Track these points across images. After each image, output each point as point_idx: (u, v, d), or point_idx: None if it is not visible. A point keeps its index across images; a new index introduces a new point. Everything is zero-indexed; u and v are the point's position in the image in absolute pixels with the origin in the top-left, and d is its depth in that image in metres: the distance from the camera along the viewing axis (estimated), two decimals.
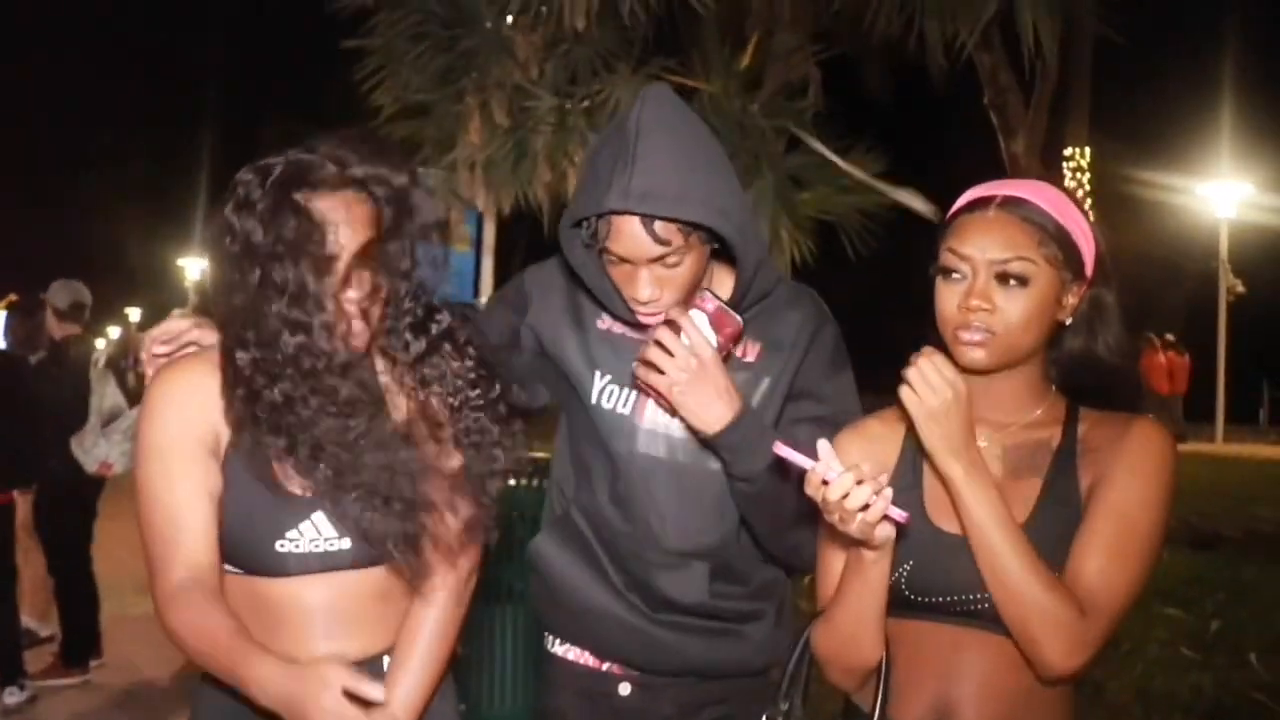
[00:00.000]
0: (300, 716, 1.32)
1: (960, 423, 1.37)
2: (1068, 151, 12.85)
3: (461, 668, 1.66)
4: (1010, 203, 1.44)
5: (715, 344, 1.57)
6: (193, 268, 32.53)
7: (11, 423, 4.62)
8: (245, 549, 1.47)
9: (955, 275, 1.43)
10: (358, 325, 1.46)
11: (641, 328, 1.69)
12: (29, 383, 4.88)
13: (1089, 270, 1.45)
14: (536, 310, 1.79)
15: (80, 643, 4.95)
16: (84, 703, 4.69)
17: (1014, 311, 1.40)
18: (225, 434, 1.47)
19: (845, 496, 1.28)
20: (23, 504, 4.97)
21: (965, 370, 1.43)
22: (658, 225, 1.55)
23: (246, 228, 1.40)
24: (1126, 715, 3.93)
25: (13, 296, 5.56)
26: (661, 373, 1.55)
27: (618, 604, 1.75)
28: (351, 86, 5.82)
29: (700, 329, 1.56)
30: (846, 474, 1.29)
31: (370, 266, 1.45)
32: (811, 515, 1.45)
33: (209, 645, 1.39)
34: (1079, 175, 13.19)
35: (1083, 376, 1.49)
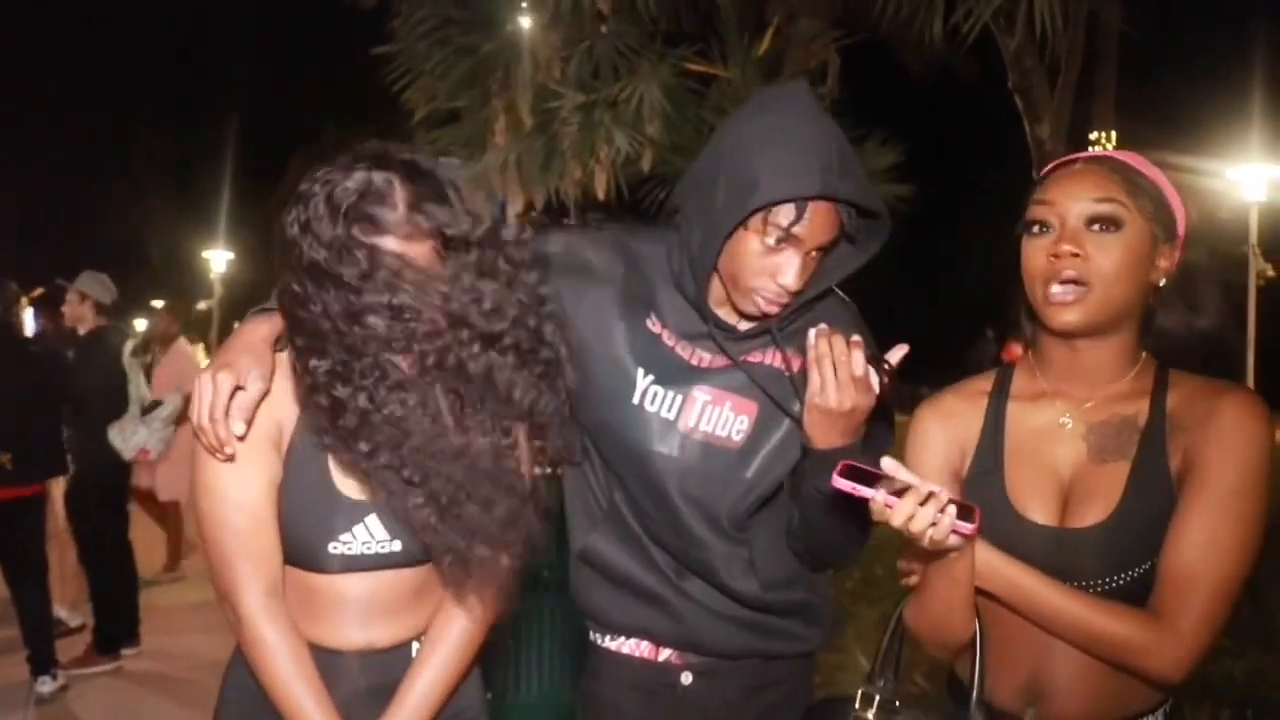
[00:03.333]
0: None
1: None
2: (1094, 135, 12.72)
3: (487, 655, 1.67)
4: (1097, 159, 1.41)
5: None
6: (218, 260, 32.77)
7: (44, 415, 4.68)
8: (297, 547, 1.49)
9: (1043, 228, 1.38)
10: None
11: (687, 341, 1.69)
12: (61, 375, 4.94)
13: (1181, 230, 1.40)
14: (579, 288, 1.71)
15: (113, 631, 5.01)
16: (115, 691, 4.75)
17: (1106, 259, 1.34)
18: (288, 428, 1.48)
19: (911, 519, 1.26)
20: (56, 493, 5.03)
21: (1057, 334, 1.38)
22: (844, 212, 1.56)
23: (313, 254, 1.36)
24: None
25: (40, 290, 5.62)
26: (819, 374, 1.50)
27: (676, 596, 1.74)
28: (373, 78, 5.83)
29: (872, 385, 1.50)
30: (907, 499, 1.26)
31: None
32: (851, 535, 1.52)
33: (274, 672, 1.46)
34: None
35: (1179, 349, 1.44)
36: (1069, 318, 1.37)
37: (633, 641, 1.80)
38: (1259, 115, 20.41)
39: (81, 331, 5.15)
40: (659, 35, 5.48)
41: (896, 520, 1.27)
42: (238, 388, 1.40)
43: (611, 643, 1.81)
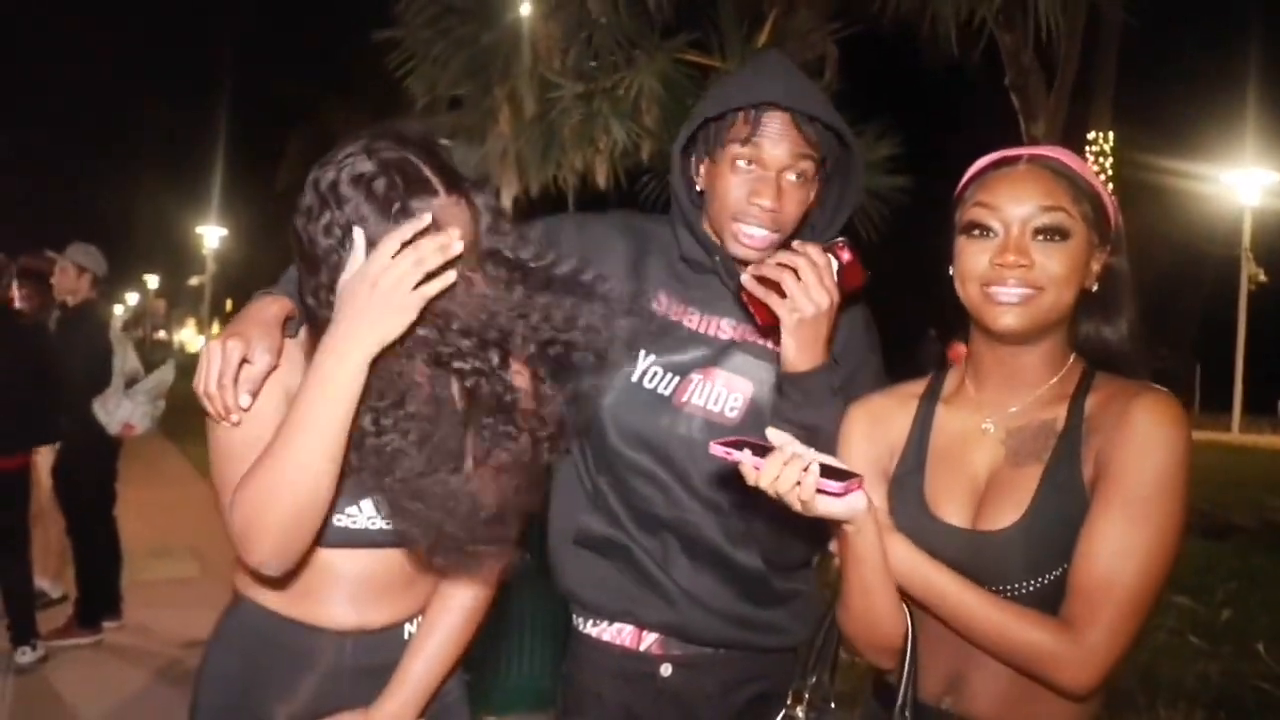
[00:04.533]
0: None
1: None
2: (1090, 136, 12.75)
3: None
4: (1040, 159, 1.38)
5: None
6: (211, 235, 32.68)
7: (27, 386, 4.66)
8: None
9: (986, 232, 1.35)
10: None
11: (695, 309, 1.71)
12: (45, 346, 4.92)
13: (1112, 235, 1.39)
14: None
15: (95, 603, 5.01)
16: (95, 664, 4.74)
17: (1055, 266, 1.32)
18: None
19: (776, 479, 1.26)
20: (45, 465, 5.02)
21: (994, 337, 1.36)
22: (809, 127, 1.59)
23: (344, 236, 1.35)
24: (1132, 703, 3.93)
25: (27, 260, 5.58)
26: (782, 296, 1.51)
27: (667, 579, 1.74)
28: (370, 56, 5.83)
29: (833, 274, 1.54)
30: (771, 460, 1.26)
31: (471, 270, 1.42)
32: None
33: (269, 463, 1.34)
34: (1101, 160, 13.07)
35: (1095, 356, 1.44)
36: (1010, 321, 1.34)
37: (615, 628, 1.79)
38: (1254, 121, 20.48)
39: (71, 303, 5.13)
40: (657, 26, 5.47)
41: (764, 480, 1.27)
42: (244, 360, 1.39)
43: (594, 629, 1.81)
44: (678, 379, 1.71)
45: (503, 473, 1.46)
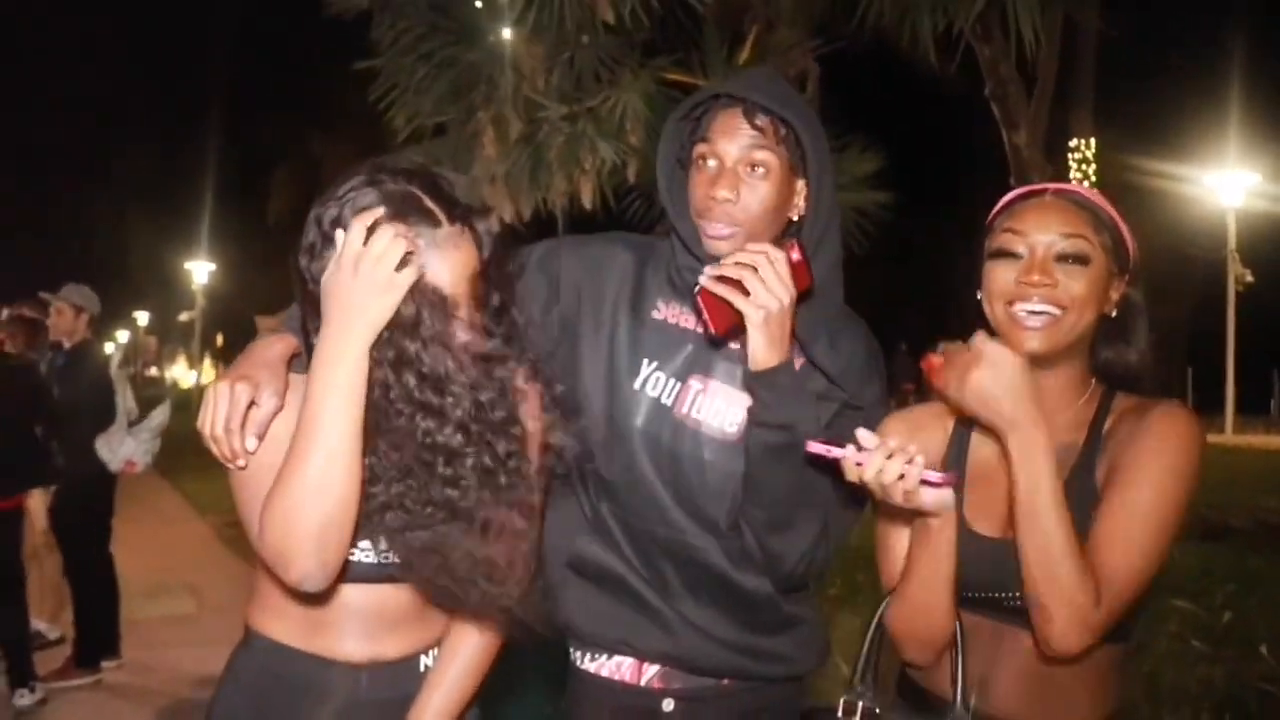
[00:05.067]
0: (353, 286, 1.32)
1: (1031, 392, 1.36)
2: (1073, 143, 12.83)
3: None
4: (1064, 192, 1.51)
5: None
6: (200, 271, 32.62)
7: (19, 429, 4.65)
8: None
9: (1013, 255, 1.46)
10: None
11: (689, 314, 1.70)
12: (41, 387, 4.91)
13: (1130, 265, 1.50)
14: (581, 284, 1.75)
15: (93, 643, 4.98)
16: (94, 704, 4.71)
17: (1077, 288, 1.43)
18: None
19: (880, 473, 1.34)
20: (38, 506, 5.00)
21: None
22: (757, 117, 1.62)
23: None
24: (1135, 708, 3.92)
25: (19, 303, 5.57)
26: (745, 294, 1.52)
27: (667, 607, 1.71)
28: (357, 90, 5.83)
29: (787, 272, 1.55)
30: (876, 452, 1.35)
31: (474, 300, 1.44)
32: (802, 528, 1.58)
33: (301, 470, 1.33)
34: (1084, 166, 13.16)
35: (1115, 378, 1.54)
36: (1035, 344, 1.44)
37: (614, 661, 1.75)
38: (1236, 122, 20.60)
39: (68, 344, 5.13)
40: (639, 45, 5.50)
41: (869, 473, 1.35)
42: (252, 403, 1.39)
43: (592, 664, 1.77)
44: (678, 384, 1.70)
45: (505, 526, 1.45)
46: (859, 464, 1.36)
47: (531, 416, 1.51)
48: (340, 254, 1.33)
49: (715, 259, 1.64)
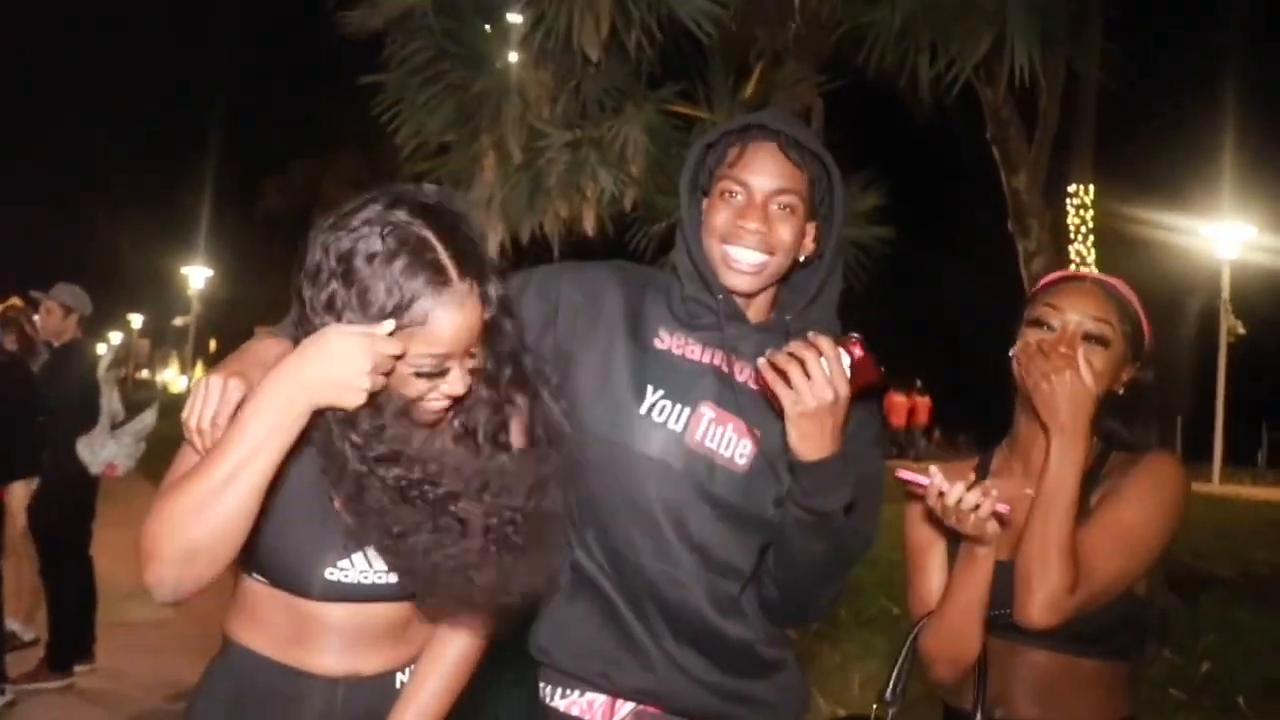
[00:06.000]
0: (325, 369, 1.31)
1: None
2: (1071, 188, 12.90)
3: None
4: (1100, 282, 1.77)
5: (849, 388, 1.55)
6: (196, 276, 32.63)
7: (7, 425, 4.63)
8: (292, 571, 1.47)
9: (1046, 326, 1.71)
10: (439, 405, 1.46)
11: (698, 344, 1.70)
12: (28, 386, 4.89)
13: (1145, 353, 1.74)
14: (578, 310, 1.73)
15: (66, 647, 4.93)
16: (64, 708, 4.67)
17: (1094, 363, 1.67)
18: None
19: (960, 501, 1.54)
20: (19, 503, 4.97)
21: (1039, 420, 1.68)
22: (794, 153, 1.65)
23: (352, 308, 1.37)
24: None
25: (14, 301, 5.58)
26: (789, 386, 1.51)
27: (650, 640, 1.68)
28: (356, 103, 5.84)
29: (844, 369, 1.54)
30: (959, 483, 1.55)
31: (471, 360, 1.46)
32: (832, 572, 1.68)
33: (196, 484, 1.30)
34: (1082, 212, 13.21)
35: (1115, 444, 1.77)
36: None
37: (586, 699, 1.71)
38: (1231, 175, 20.76)
39: (57, 344, 5.12)
40: (644, 76, 5.53)
41: (950, 499, 1.54)
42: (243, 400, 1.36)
43: (562, 701, 1.72)
44: (688, 411, 1.67)
45: (505, 543, 1.46)
46: (943, 491, 1.55)
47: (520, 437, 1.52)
48: (334, 331, 1.33)
49: (726, 291, 1.67)
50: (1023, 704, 1.69)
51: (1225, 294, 20.78)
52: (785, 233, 1.65)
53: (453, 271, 1.38)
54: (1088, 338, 1.69)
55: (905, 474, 1.60)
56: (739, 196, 1.65)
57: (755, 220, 1.63)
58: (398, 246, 1.36)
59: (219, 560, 1.33)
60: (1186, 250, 21.35)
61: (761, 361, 1.55)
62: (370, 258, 1.35)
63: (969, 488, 1.55)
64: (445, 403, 1.45)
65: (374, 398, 1.36)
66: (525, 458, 1.51)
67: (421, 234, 1.37)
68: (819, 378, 1.50)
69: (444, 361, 1.40)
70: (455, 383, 1.43)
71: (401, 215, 1.38)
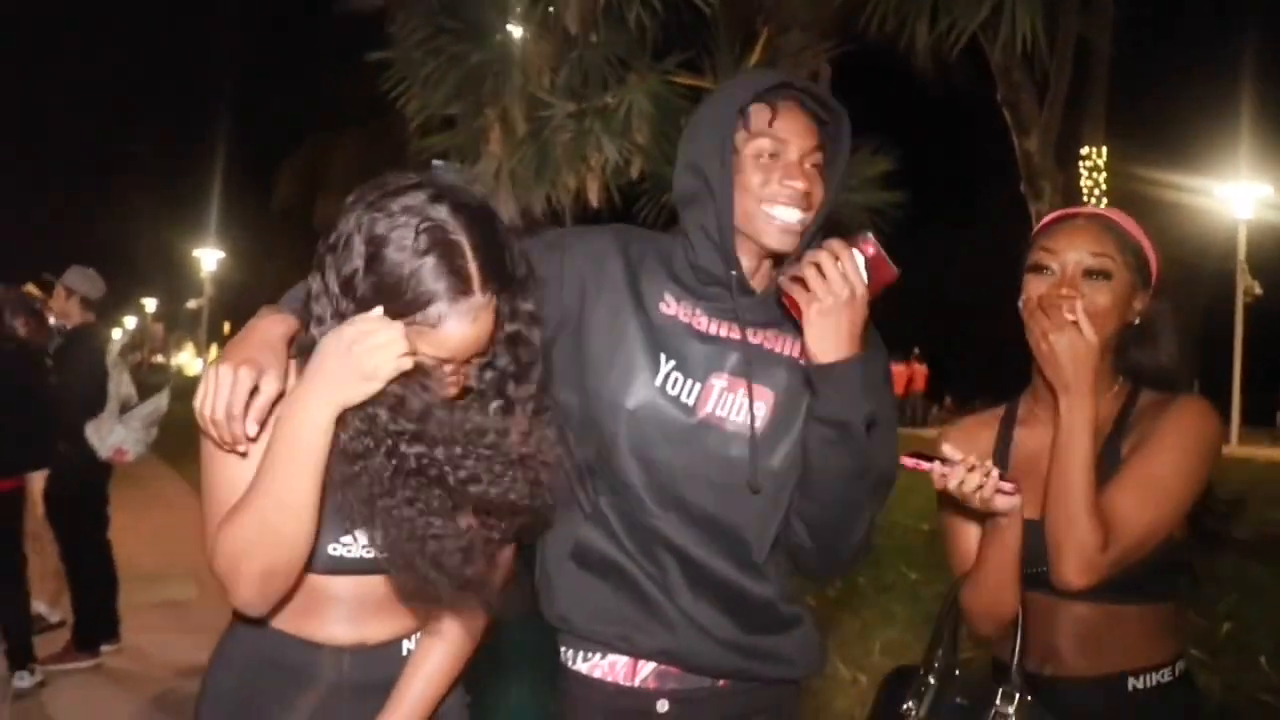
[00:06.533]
0: (346, 366, 1.33)
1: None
2: (1084, 150, 12.79)
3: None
4: (1094, 216, 1.74)
5: (866, 285, 1.58)
6: (208, 259, 32.72)
7: (24, 410, 4.66)
8: None
9: (1046, 270, 1.70)
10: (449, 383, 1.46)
11: (705, 315, 1.70)
12: (42, 371, 4.92)
13: (1154, 280, 1.72)
14: (585, 278, 1.72)
15: (92, 627, 4.99)
16: (93, 688, 4.73)
17: (1100, 300, 1.66)
18: None
19: (962, 484, 1.55)
20: (38, 489, 5.02)
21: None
22: (819, 110, 1.67)
23: (369, 291, 1.37)
24: None
25: (31, 287, 5.60)
26: (806, 290, 1.54)
27: (668, 602, 1.69)
28: (364, 81, 5.84)
29: (858, 267, 1.57)
30: (959, 466, 1.55)
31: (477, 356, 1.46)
32: (858, 499, 1.67)
33: (256, 513, 1.36)
34: (1095, 175, 13.12)
35: (1143, 378, 1.76)
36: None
37: (608, 661, 1.72)
38: (1248, 134, 20.55)
39: (68, 326, 5.14)
40: (648, 45, 5.49)
41: (952, 484, 1.56)
42: (254, 388, 1.37)
43: (584, 664, 1.73)
44: (699, 386, 1.68)
45: (494, 527, 1.49)
46: (944, 475, 1.56)
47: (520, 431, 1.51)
48: (345, 326, 1.34)
49: (775, 255, 1.68)
50: (1070, 658, 1.71)
51: (1241, 254, 20.63)
52: (819, 191, 1.66)
53: (476, 282, 1.38)
54: (1088, 273, 1.68)
55: (908, 460, 1.60)
56: (778, 156, 1.65)
57: (799, 179, 1.63)
58: (430, 245, 1.36)
59: (296, 569, 1.41)
60: (1202, 211, 21.16)
61: (783, 279, 1.58)
62: (401, 249, 1.36)
63: (970, 469, 1.55)
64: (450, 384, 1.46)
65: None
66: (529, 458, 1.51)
67: (455, 238, 1.38)
68: (834, 276, 1.53)
69: (443, 364, 1.42)
70: (443, 384, 1.43)
71: (442, 213, 1.38)
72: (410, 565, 1.42)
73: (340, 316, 1.38)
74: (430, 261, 1.36)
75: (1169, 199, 20.04)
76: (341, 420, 1.36)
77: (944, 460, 1.58)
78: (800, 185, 1.63)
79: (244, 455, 1.40)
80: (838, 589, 5.58)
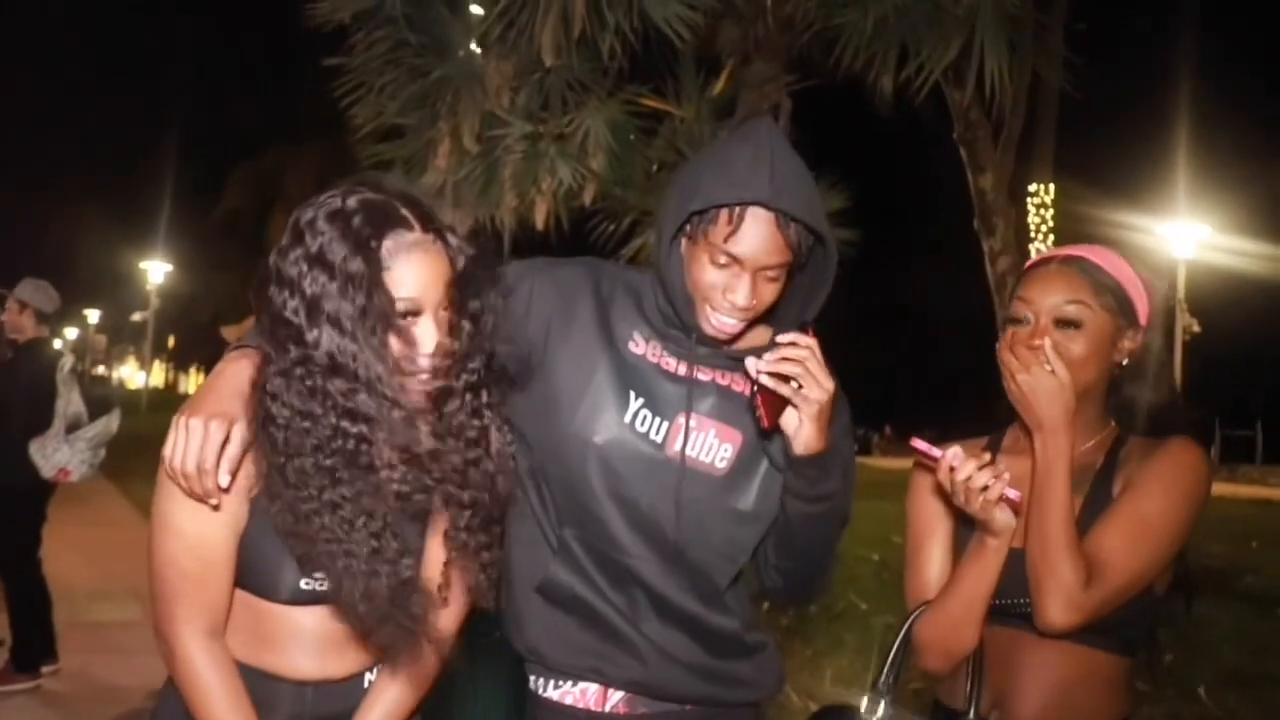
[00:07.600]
0: None
1: (1064, 405, 1.57)
2: (1032, 188, 13.08)
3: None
4: (1070, 260, 1.68)
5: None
6: (156, 271, 32.14)
7: None
8: (268, 581, 1.46)
9: (1022, 321, 1.66)
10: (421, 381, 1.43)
11: (673, 357, 1.70)
12: None
13: (1143, 319, 1.67)
14: (552, 313, 1.72)
15: (31, 648, 4.87)
16: (30, 710, 4.60)
17: (1074, 349, 1.62)
18: (262, 470, 1.41)
19: (969, 479, 1.51)
20: None
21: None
22: (791, 228, 1.58)
23: (321, 284, 1.36)
24: None
25: None
26: (797, 387, 1.54)
27: (636, 634, 1.70)
28: (318, 94, 5.80)
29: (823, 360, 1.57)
30: (970, 461, 1.52)
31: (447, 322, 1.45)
32: (832, 549, 1.71)
33: (208, 711, 1.43)
34: (1043, 211, 13.42)
35: (1137, 416, 1.71)
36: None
37: (579, 689, 1.73)
38: (1187, 176, 21.12)
39: (20, 341, 5.02)
40: (611, 71, 5.53)
41: (960, 475, 1.52)
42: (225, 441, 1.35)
43: (555, 691, 1.74)
44: (667, 424, 1.69)
45: (455, 564, 1.51)
46: (953, 466, 1.53)
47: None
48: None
49: (707, 338, 1.67)
50: (1024, 704, 1.63)
51: (1180, 292, 21.14)
52: (768, 295, 1.63)
53: (414, 221, 1.41)
54: (1059, 323, 1.63)
55: (919, 443, 1.61)
56: (728, 267, 1.60)
57: (743, 295, 1.60)
58: (359, 205, 1.39)
59: (226, 605, 1.47)
60: (1144, 249, 21.68)
61: (762, 378, 1.55)
62: (333, 215, 1.37)
63: (981, 467, 1.51)
64: (427, 377, 1.42)
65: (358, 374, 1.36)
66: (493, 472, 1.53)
67: (380, 196, 1.41)
68: (818, 371, 1.53)
69: (414, 308, 1.40)
70: (427, 337, 1.41)
71: (363, 188, 1.43)
72: (355, 603, 1.41)
73: (299, 332, 1.36)
74: (363, 216, 1.38)
75: (1112, 236, 20.51)
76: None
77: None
78: (741, 301, 1.60)
79: (216, 508, 1.38)
80: (790, 617, 5.60)
